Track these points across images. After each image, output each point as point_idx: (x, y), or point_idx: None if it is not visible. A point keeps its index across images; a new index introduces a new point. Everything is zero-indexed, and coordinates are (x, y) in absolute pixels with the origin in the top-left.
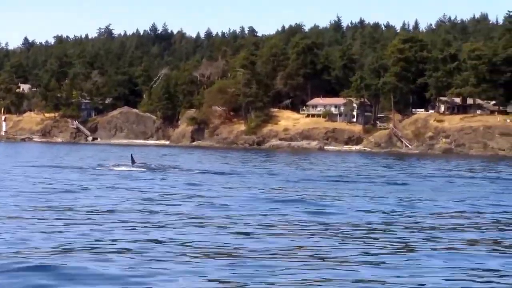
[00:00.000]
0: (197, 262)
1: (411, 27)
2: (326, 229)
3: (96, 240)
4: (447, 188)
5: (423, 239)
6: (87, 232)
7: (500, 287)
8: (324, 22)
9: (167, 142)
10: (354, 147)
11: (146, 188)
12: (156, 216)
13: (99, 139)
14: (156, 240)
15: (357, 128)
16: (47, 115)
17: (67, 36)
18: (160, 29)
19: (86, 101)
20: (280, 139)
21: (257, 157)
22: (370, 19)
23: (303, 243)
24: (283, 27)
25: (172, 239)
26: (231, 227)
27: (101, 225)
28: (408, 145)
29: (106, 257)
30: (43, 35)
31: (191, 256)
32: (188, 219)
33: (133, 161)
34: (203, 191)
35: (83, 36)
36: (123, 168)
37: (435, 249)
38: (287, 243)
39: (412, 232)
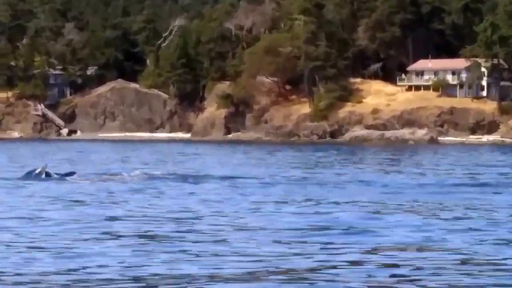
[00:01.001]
0: None
1: None
2: None
3: None
4: None
5: None
6: None
7: None
8: None
9: (187, 135)
10: (485, 138)
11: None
12: None
13: (79, 133)
14: None
15: (489, 106)
16: None
17: None
18: None
19: (57, 72)
20: (367, 127)
21: (338, 159)
22: None
23: None
24: None
25: None
26: None
27: None
28: None
29: None
30: None
31: None
32: None
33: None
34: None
35: None
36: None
37: None
38: None
39: None
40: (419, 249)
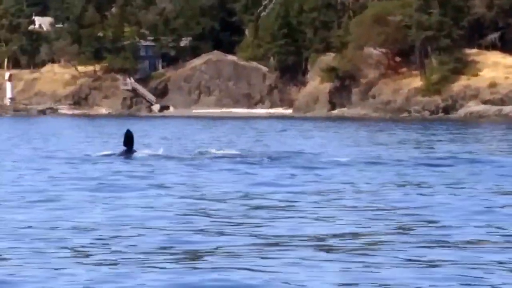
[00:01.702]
0: None
1: None
2: None
3: None
4: None
5: None
6: None
7: None
8: None
9: (288, 111)
10: None
11: None
12: None
13: (171, 109)
14: None
15: None
16: (81, 69)
17: None
18: None
19: (148, 43)
20: (484, 102)
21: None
22: None
23: None
24: None
25: None
26: None
27: None
28: None
29: None
30: None
31: None
32: None
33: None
34: None
35: None
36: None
37: None
38: None
39: None
40: None
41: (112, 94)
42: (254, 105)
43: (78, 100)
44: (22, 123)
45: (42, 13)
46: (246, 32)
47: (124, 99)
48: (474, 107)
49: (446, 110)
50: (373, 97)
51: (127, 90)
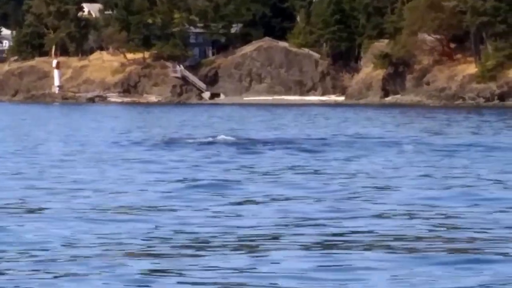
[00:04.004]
0: None
1: None
2: None
3: None
4: None
5: None
6: None
7: None
8: None
9: (341, 99)
10: None
11: None
12: None
13: (222, 97)
14: None
15: None
16: (130, 56)
17: None
18: None
19: (198, 30)
20: None
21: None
22: None
23: None
24: None
25: None
26: None
27: None
28: None
29: None
30: None
31: None
32: None
33: None
34: None
35: None
36: None
37: None
38: None
39: None
40: None
41: (162, 81)
42: (306, 92)
43: (128, 87)
44: (71, 112)
45: (91, 0)
46: (298, 18)
47: (174, 86)
48: None
49: (502, 97)
50: (427, 83)
51: (177, 77)
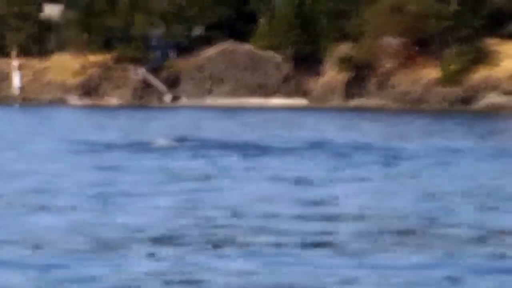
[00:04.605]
0: None
1: None
2: None
3: None
4: None
5: None
6: None
7: None
8: None
9: (304, 102)
10: None
11: None
12: None
13: (183, 99)
14: None
15: None
16: (91, 58)
17: None
18: None
19: (159, 33)
20: (505, 93)
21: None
22: None
23: None
24: None
25: None
26: None
27: None
28: None
29: None
30: None
31: None
32: None
33: None
34: None
35: None
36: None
37: None
38: None
39: None
40: None
41: (123, 84)
42: (270, 95)
43: (88, 90)
44: (31, 115)
45: (52, 1)
46: (262, 20)
47: (135, 89)
48: (494, 98)
49: (466, 101)
50: (392, 87)
51: (138, 80)
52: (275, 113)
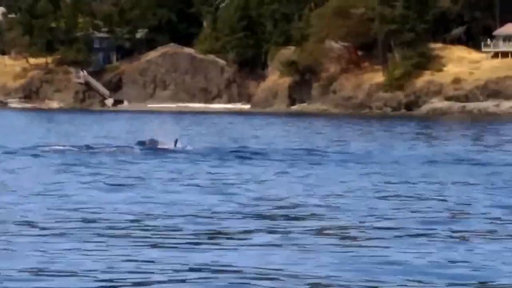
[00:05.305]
0: None
1: None
2: None
3: None
4: None
5: None
6: None
7: None
8: None
9: (247, 107)
10: None
11: None
12: None
13: (125, 103)
14: None
15: None
16: (32, 61)
17: None
18: None
19: (102, 35)
20: (447, 98)
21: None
22: None
23: None
24: None
25: None
26: None
27: None
28: None
29: None
30: None
31: None
32: None
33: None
34: None
35: None
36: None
37: None
38: None
39: None
40: None
41: (64, 87)
42: (212, 99)
43: (29, 93)
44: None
45: None
46: (204, 24)
47: (77, 92)
48: (437, 103)
49: (409, 106)
50: (334, 92)
51: (80, 83)
52: (212, 118)
